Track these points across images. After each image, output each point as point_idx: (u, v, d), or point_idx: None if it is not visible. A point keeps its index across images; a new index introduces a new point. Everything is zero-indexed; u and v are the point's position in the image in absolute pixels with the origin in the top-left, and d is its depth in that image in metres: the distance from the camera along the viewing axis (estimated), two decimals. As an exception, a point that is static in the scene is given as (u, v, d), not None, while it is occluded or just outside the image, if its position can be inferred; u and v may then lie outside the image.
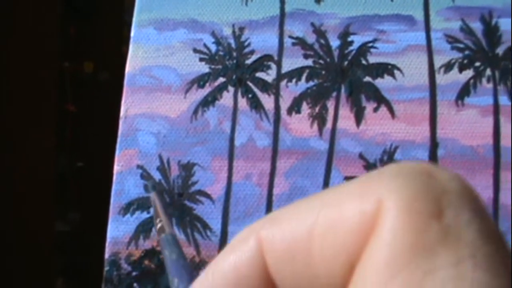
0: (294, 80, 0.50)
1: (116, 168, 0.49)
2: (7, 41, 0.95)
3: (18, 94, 0.94)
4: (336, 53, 0.51)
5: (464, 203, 0.14)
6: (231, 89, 0.50)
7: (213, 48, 0.51)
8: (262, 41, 0.51)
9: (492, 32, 0.51)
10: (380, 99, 0.50)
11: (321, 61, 0.51)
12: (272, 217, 0.17)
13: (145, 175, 0.48)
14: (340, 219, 0.15)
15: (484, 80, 0.50)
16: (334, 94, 0.50)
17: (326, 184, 0.48)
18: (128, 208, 0.48)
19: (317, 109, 0.49)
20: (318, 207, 0.16)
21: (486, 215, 0.15)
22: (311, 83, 0.50)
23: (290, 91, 0.50)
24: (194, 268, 0.47)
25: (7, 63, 0.93)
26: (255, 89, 0.50)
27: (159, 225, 0.30)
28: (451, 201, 0.14)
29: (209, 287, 0.18)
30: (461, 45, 0.51)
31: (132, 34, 0.51)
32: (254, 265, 0.17)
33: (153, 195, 0.39)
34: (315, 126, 0.49)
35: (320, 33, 0.51)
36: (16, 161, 0.94)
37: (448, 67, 0.50)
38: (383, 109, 0.49)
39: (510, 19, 0.51)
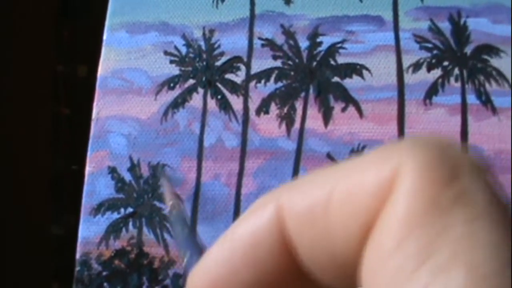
0: (263, 81, 0.51)
1: (87, 169, 0.50)
2: (-1, 45, 0.96)
3: (11, 98, 0.95)
4: (305, 54, 0.51)
5: (476, 172, 0.15)
6: (200, 90, 0.51)
7: (183, 50, 0.52)
8: (231, 43, 0.52)
9: (460, 32, 0.51)
10: (348, 99, 0.50)
11: (290, 62, 0.51)
12: (292, 184, 0.18)
13: (115, 176, 0.49)
14: (358, 184, 0.16)
15: (452, 79, 0.50)
16: (303, 94, 0.50)
17: (293, 183, 0.48)
18: (99, 208, 0.49)
19: (285, 109, 0.50)
20: (337, 174, 0.17)
21: (497, 187, 0.15)
22: (279, 84, 0.51)
23: (259, 92, 0.51)
24: (163, 268, 0.47)
25: (-1, 67, 0.95)
26: (224, 91, 0.51)
27: (170, 203, 0.30)
28: (467, 169, 0.15)
29: (227, 252, 0.18)
30: (430, 45, 0.51)
31: (104, 37, 0.52)
32: (273, 230, 0.17)
33: (163, 179, 0.40)
34: (283, 126, 0.50)
35: (289, 34, 0.52)
36: (10, 165, 0.95)
37: (416, 66, 0.51)
38: (351, 109, 0.50)
39: (478, 19, 0.51)
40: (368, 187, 0.16)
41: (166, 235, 0.48)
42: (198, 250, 0.24)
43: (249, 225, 0.17)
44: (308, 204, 0.16)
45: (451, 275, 0.13)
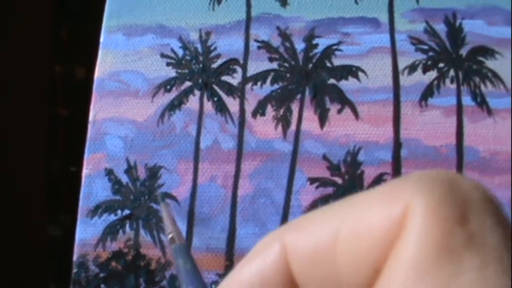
0: (259, 83, 0.51)
1: (84, 171, 0.50)
2: (-3, 46, 0.96)
3: (8, 99, 0.95)
4: (301, 56, 0.52)
5: (487, 210, 0.15)
6: (197, 92, 0.51)
7: (180, 52, 0.52)
8: (228, 45, 0.52)
9: (456, 34, 0.52)
10: (344, 101, 0.50)
11: (286, 64, 0.51)
12: (296, 223, 0.17)
13: (112, 178, 0.49)
14: (365, 224, 0.16)
15: (447, 81, 0.51)
16: (299, 96, 0.50)
17: (290, 185, 0.48)
18: (96, 210, 0.49)
19: (281, 111, 0.50)
20: (342, 213, 0.16)
21: (508, 222, 0.15)
22: (275, 86, 0.51)
23: (255, 94, 0.51)
24: (160, 269, 0.48)
25: (-3, 68, 0.95)
26: (221, 93, 0.51)
27: (170, 236, 0.30)
28: (476, 208, 0.15)
29: None
30: (425, 47, 0.51)
31: (101, 40, 0.53)
32: (279, 270, 0.17)
33: (162, 206, 0.39)
34: (279, 128, 0.50)
35: (285, 36, 0.52)
36: (7, 166, 0.95)
37: (412, 68, 0.51)
38: (347, 111, 0.50)
39: (473, 21, 0.52)
40: (376, 227, 0.15)
41: (162, 237, 0.48)
42: (201, 286, 0.24)
43: (254, 267, 0.17)
44: (313, 245, 0.16)
45: None
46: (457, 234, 0.14)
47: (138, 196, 0.49)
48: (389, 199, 0.15)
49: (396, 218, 0.15)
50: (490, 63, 0.51)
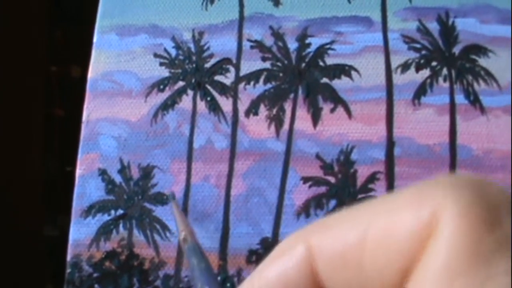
0: (252, 83, 0.51)
1: (78, 171, 0.50)
2: (-8, 47, 0.96)
3: (4, 99, 0.95)
4: (293, 55, 0.52)
5: None
6: (190, 92, 0.51)
7: (173, 52, 0.52)
8: (221, 45, 0.52)
9: (448, 32, 0.52)
10: (337, 100, 0.50)
11: (278, 64, 0.51)
12: (321, 224, 0.17)
13: (106, 178, 0.49)
14: (394, 227, 0.15)
15: (440, 79, 0.51)
16: (292, 95, 0.51)
17: (283, 184, 0.48)
18: (89, 210, 0.49)
19: (274, 110, 0.50)
20: (370, 215, 0.16)
21: None
22: (268, 85, 0.51)
23: (248, 93, 0.51)
24: (153, 269, 0.48)
25: (-8, 69, 0.95)
26: (214, 92, 0.51)
27: (182, 235, 0.30)
28: (505, 212, 0.15)
29: None
30: (418, 45, 0.51)
31: (94, 40, 0.53)
32: (303, 271, 0.17)
33: (173, 205, 0.39)
34: (272, 127, 0.50)
35: (278, 35, 0.52)
36: (4, 166, 0.95)
37: (405, 67, 0.51)
38: (340, 110, 0.50)
39: (466, 19, 0.52)
40: (405, 230, 0.15)
41: (156, 237, 0.48)
42: (216, 285, 0.24)
43: (279, 267, 0.17)
44: (340, 246, 0.16)
45: None
46: (488, 238, 0.14)
47: (132, 196, 0.49)
48: (418, 202, 0.15)
49: (425, 221, 0.15)
50: (483, 61, 0.51)
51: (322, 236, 0.17)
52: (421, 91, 0.50)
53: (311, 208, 0.48)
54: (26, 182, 0.99)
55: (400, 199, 0.16)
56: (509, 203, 0.15)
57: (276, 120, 0.50)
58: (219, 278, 0.45)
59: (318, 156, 0.49)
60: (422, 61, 0.51)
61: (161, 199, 0.49)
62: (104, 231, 0.49)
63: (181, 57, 0.52)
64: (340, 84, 0.51)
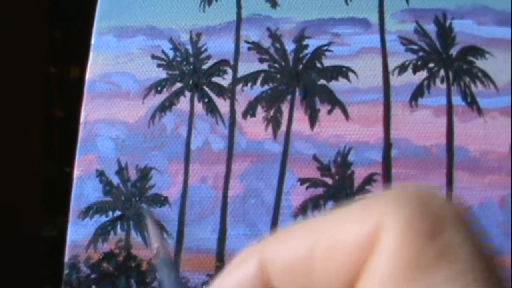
0: (249, 84, 0.51)
1: (75, 173, 0.50)
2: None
3: (3, 100, 0.95)
4: (291, 57, 0.52)
5: (458, 225, 0.15)
6: (187, 94, 0.51)
7: (170, 54, 0.52)
8: (218, 47, 0.52)
9: (446, 34, 0.52)
10: (334, 102, 0.50)
11: (276, 65, 0.51)
12: (276, 237, 0.18)
13: (103, 179, 0.50)
14: (340, 240, 0.16)
15: (437, 80, 0.51)
16: (289, 97, 0.51)
17: (280, 186, 0.49)
18: (87, 212, 0.49)
19: (271, 112, 0.50)
20: (319, 228, 0.17)
21: (478, 237, 0.15)
22: (266, 87, 0.51)
23: (245, 95, 0.51)
24: (151, 270, 0.48)
25: (-9, 69, 0.95)
26: (211, 94, 0.51)
27: (155, 246, 0.30)
28: (447, 223, 0.15)
29: None
30: (415, 47, 0.52)
31: (92, 42, 0.53)
32: (258, 282, 0.17)
33: (147, 219, 0.40)
34: (270, 129, 0.50)
35: (275, 37, 0.52)
36: (3, 167, 0.95)
37: (402, 68, 0.51)
38: (337, 111, 0.50)
39: (463, 21, 0.52)
40: (350, 242, 0.16)
41: (154, 238, 0.48)
42: None
43: (233, 279, 0.18)
44: (291, 258, 0.17)
45: None
46: (429, 248, 0.15)
47: (129, 197, 0.49)
48: (362, 215, 0.16)
49: (368, 234, 0.15)
50: (480, 63, 0.51)
51: (275, 248, 0.17)
52: (418, 92, 0.50)
53: (308, 210, 0.48)
54: (25, 183, 0.99)
55: (348, 212, 0.16)
56: (452, 215, 0.15)
57: (274, 122, 0.50)
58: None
59: (315, 158, 0.49)
60: (419, 62, 0.51)
61: (159, 201, 0.49)
62: (102, 232, 0.49)
63: (178, 59, 0.52)
64: (338, 85, 0.51)
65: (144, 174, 0.49)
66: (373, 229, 0.15)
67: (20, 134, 0.99)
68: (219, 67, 0.52)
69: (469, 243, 0.15)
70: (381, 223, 0.15)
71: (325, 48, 0.52)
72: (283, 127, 0.50)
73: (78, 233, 0.49)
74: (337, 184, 0.49)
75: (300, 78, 0.51)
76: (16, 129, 0.98)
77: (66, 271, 0.48)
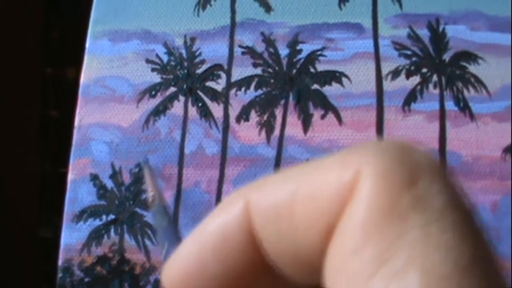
0: (243, 89, 0.51)
1: (69, 176, 0.50)
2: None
3: (-1, 101, 0.95)
4: (284, 62, 0.52)
5: (435, 176, 0.15)
6: (181, 98, 0.51)
7: (165, 58, 0.52)
8: (212, 51, 0.52)
9: (439, 39, 0.52)
10: (327, 106, 0.51)
11: (270, 70, 0.52)
12: (259, 183, 0.18)
13: (97, 183, 0.50)
14: (320, 187, 0.16)
15: (430, 86, 0.51)
16: (282, 102, 0.51)
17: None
18: (81, 215, 0.49)
19: (265, 116, 0.50)
20: (301, 175, 0.17)
21: (457, 188, 0.16)
22: (259, 92, 0.51)
23: (239, 99, 0.51)
24: (144, 274, 0.48)
25: (-13, 70, 0.95)
26: (205, 98, 0.51)
27: (152, 194, 0.31)
28: (424, 173, 0.15)
29: (197, 245, 0.18)
30: (409, 52, 0.52)
31: (87, 45, 0.53)
32: (241, 225, 0.18)
33: (145, 169, 0.40)
34: (263, 133, 0.50)
35: (269, 42, 0.52)
36: (-1, 168, 0.95)
37: (395, 73, 0.51)
38: (330, 116, 0.50)
39: (456, 26, 0.52)
40: (329, 190, 0.16)
41: (147, 242, 0.49)
42: (177, 241, 0.24)
43: (218, 221, 0.18)
44: (273, 202, 0.17)
45: (406, 280, 0.14)
46: (404, 196, 0.15)
47: (123, 201, 0.50)
48: (342, 164, 0.16)
49: (347, 182, 0.16)
50: (473, 68, 0.51)
51: (259, 192, 0.17)
52: (411, 97, 0.51)
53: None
54: (21, 184, 0.99)
55: (329, 160, 0.17)
56: (429, 164, 0.16)
57: (267, 126, 0.50)
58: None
59: (308, 162, 0.49)
60: (412, 67, 0.51)
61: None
62: (96, 236, 0.49)
63: (172, 63, 0.52)
64: (331, 90, 0.51)
65: (138, 178, 0.50)
66: (352, 177, 0.16)
67: (15, 134, 0.99)
68: (213, 72, 0.52)
69: (445, 193, 0.15)
70: (359, 172, 0.16)
71: (318, 53, 0.52)
72: (277, 132, 0.50)
73: (72, 237, 0.49)
74: (330, 189, 0.49)
75: (293, 82, 0.51)
76: (11, 129, 0.98)
77: (60, 275, 0.48)
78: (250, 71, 0.52)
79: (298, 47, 0.52)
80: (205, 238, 0.18)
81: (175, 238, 0.24)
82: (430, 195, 0.15)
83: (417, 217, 0.15)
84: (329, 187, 0.16)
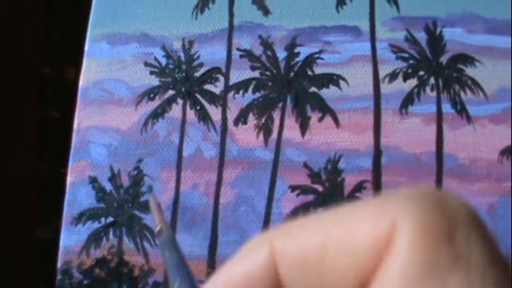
0: (241, 92, 0.51)
1: (68, 179, 0.50)
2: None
3: (-2, 102, 0.95)
4: (282, 65, 0.52)
5: (473, 227, 0.15)
6: (180, 101, 0.52)
7: (163, 61, 0.53)
8: (210, 54, 0.52)
9: (436, 42, 0.52)
10: (325, 109, 0.51)
11: (267, 73, 0.52)
12: (285, 228, 0.18)
13: (96, 185, 0.50)
14: (354, 237, 0.16)
15: (428, 88, 0.51)
16: (280, 104, 0.51)
17: (271, 193, 0.49)
18: (80, 218, 0.50)
19: (263, 119, 0.51)
20: (332, 222, 0.17)
21: (492, 238, 0.15)
22: (257, 95, 0.51)
23: (237, 102, 0.51)
24: (143, 276, 0.48)
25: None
26: (203, 101, 0.51)
27: (158, 227, 0.31)
28: (462, 225, 0.15)
29: None
30: (406, 55, 0.52)
31: (85, 48, 0.53)
32: (266, 273, 0.17)
33: (151, 198, 0.40)
34: (261, 136, 0.50)
35: (267, 45, 0.52)
36: (-2, 168, 0.95)
37: (392, 76, 0.51)
38: (327, 119, 0.51)
39: (453, 29, 0.52)
40: (364, 239, 0.16)
41: (146, 244, 0.49)
42: (188, 278, 0.24)
43: (243, 267, 0.18)
44: (302, 250, 0.17)
45: None
46: (444, 251, 0.15)
47: (122, 203, 0.50)
48: (378, 213, 0.16)
49: (383, 233, 0.15)
50: (469, 71, 0.51)
51: (286, 239, 0.17)
52: (408, 100, 0.51)
53: (299, 216, 0.48)
54: (20, 184, 0.99)
55: (362, 209, 0.16)
56: (467, 216, 0.16)
57: (265, 129, 0.50)
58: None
59: (306, 165, 0.50)
60: (409, 70, 0.52)
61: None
62: (95, 239, 0.49)
63: (171, 66, 0.52)
64: (328, 93, 0.51)
65: (137, 180, 0.50)
66: (387, 229, 0.15)
67: (14, 135, 0.99)
68: (211, 75, 0.52)
69: (483, 246, 0.15)
70: (395, 223, 0.15)
71: (316, 56, 0.52)
72: (274, 135, 0.50)
73: (71, 239, 0.49)
74: (327, 191, 0.49)
75: (291, 85, 0.52)
76: (11, 130, 0.98)
77: (59, 277, 0.49)
78: (248, 74, 0.52)
79: (295, 50, 0.52)
80: (228, 285, 0.18)
81: (187, 274, 0.24)
82: (469, 249, 0.15)
83: (458, 276, 0.15)
84: (363, 237, 0.16)
